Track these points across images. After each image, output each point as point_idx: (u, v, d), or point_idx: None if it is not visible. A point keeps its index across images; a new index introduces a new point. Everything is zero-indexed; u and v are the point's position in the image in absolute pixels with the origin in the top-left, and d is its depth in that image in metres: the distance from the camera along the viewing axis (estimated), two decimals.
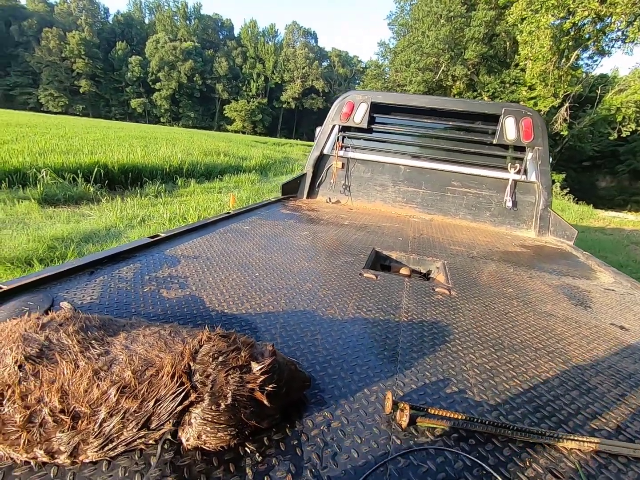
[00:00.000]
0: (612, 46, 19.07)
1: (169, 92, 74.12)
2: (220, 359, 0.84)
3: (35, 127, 19.55)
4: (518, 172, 3.58)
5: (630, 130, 24.24)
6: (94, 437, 0.73)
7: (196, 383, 0.80)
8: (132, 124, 48.83)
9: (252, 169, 15.94)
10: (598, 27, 16.50)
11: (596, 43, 19.64)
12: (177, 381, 0.79)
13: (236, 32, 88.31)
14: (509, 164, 3.60)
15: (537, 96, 21.55)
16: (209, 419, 0.78)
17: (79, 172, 9.06)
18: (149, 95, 76.13)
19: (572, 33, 16.51)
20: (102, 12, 77.23)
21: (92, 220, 6.48)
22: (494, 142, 3.55)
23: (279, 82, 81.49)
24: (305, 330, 1.33)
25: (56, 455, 0.72)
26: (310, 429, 0.88)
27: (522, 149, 3.57)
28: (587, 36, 17.82)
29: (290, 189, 4.11)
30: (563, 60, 20.33)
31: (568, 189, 23.47)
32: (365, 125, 3.82)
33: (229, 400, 0.79)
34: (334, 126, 3.98)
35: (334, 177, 4.10)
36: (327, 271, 1.95)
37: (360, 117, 3.82)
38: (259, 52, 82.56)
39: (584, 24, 16.11)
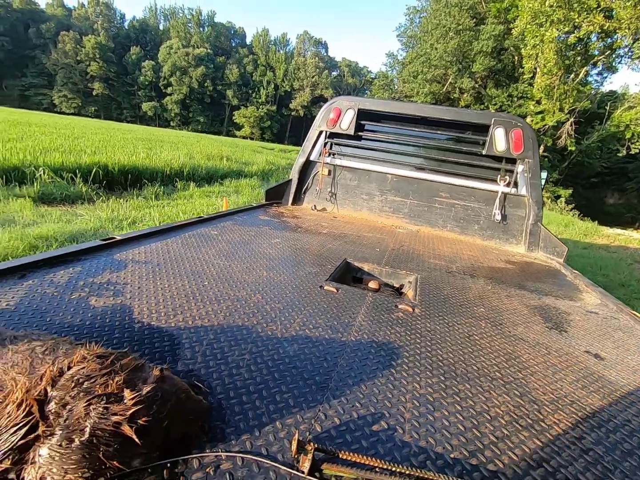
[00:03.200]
0: (620, 62, 18.93)
1: (179, 97, 75.19)
2: (86, 384, 0.72)
3: (44, 127, 19.81)
4: (508, 185, 3.45)
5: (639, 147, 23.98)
6: None
7: (48, 413, 0.68)
8: (142, 126, 49.50)
9: (254, 174, 15.95)
10: (605, 43, 16.40)
11: (605, 59, 19.52)
12: (24, 410, 0.67)
13: (248, 40, 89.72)
14: (499, 176, 3.47)
15: (544, 110, 21.42)
16: (57, 458, 0.66)
17: (77, 171, 9.08)
18: (160, 99, 77.31)
19: (578, 48, 16.42)
20: (119, 18, 79.02)
21: (83, 220, 6.44)
22: (483, 152, 3.43)
23: (289, 90, 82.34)
24: (235, 348, 1.21)
25: None
26: (193, 471, 0.76)
27: (512, 161, 3.45)
28: (595, 52, 17.73)
29: (275, 195, 4.01)
30: (572, 76, 20.23)
31: (574, 204, 23.18)
32: (352, 132, 3.73)
33: (86, 436, 0.67)
34: (320, 132, 3.89)
35: (320, 184, 4.00)
36: (285, 282, 1.83)
37: (347, 123, 3.73)
38: (270, 60, 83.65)
39: (591, 40, 16.04)
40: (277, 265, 2.06)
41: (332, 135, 3.92)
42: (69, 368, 0.75)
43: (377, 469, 0.80)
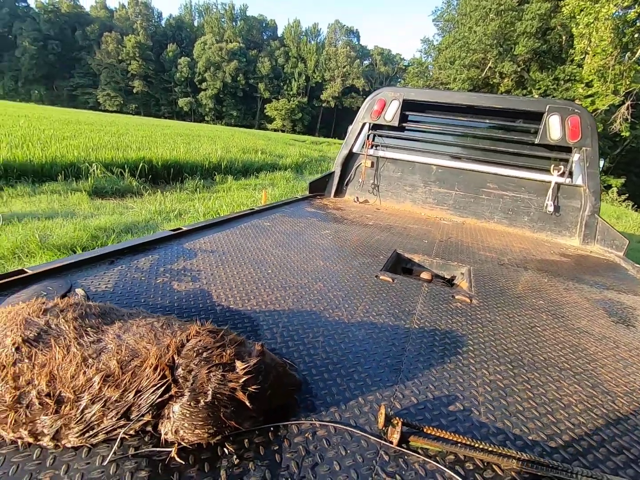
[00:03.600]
0: None
1: (214, 92, 76.99)
2: (205, 355, 0.83)
3: (92, 125, 21.08)
4: (562, 175, 3.30)
5: None
6: (75, 423, 0.74)
7: (178, 377, 0.80)
8: (178, 122, 51.32)
9: (288, 167, 16.13)
10: None
11: None
12: (159, 374, 0.79)
13: (279, 32, 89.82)
14: (552, 166, 3.33)
15: (594, 93, 19.90)
16: (187, 415, 0.77)
17: (125, 166, 9.63)
18: (196, 95, 79.55)
19: (638, 24, 15.02)
20: (156, 16, 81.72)
21: (134, 213, 6.86)
22: (536, 141, 3.30)
23: (320, 81, 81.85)
24: (308, 331, 1.30)
25: (40, 437, 0.74)
26: (294, 435, 0.85)
27: (567, 150, 3.29)
28: None
29: (318, 187, 4.09)
30: (627, 54, 18.58)
31: (627, 194, 21.53)
32: (396, 124, 3.70)
33: (209, 398, 0.78)
34: (364, 124, 3.90)
35: (363, 176, 4.02)
36: (342, 272, 1.90)
37: (391, 114, 3.71)
38: (301, 51, 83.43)
39: None
40: (331, 255, 2.14)
41: (376, 127, 3.92)
42: (188, 340, 0.87)
43: (459, 444, 0.85)
